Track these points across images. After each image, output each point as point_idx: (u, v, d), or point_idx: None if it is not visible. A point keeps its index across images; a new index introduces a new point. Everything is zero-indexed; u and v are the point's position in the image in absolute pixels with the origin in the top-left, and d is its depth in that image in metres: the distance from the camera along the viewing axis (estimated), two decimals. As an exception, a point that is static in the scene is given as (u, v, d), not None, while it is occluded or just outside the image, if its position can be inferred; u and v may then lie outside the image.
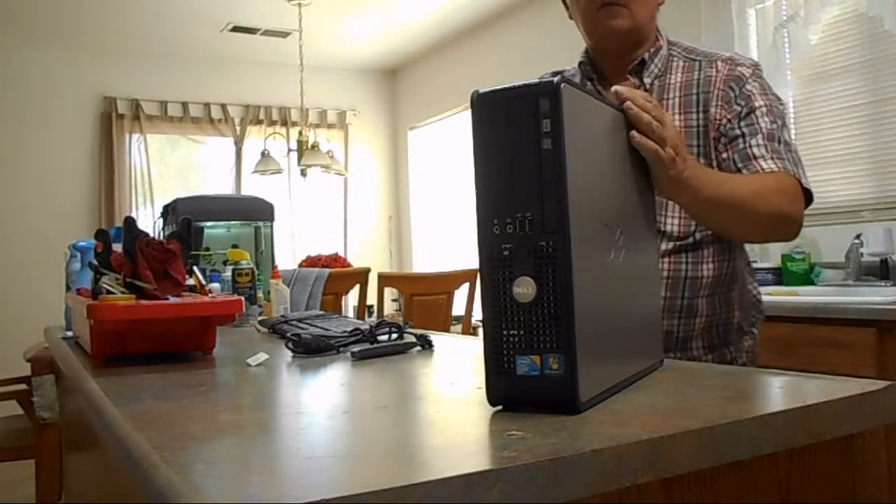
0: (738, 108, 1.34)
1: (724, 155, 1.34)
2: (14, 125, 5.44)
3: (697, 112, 1.36)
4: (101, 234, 1.51)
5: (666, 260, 1.35)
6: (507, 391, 0.76)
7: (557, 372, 0.73)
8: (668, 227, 1.36)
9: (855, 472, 0.79)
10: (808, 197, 1.31)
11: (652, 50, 1.41)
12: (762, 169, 1.29)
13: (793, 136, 1.40)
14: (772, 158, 1.29)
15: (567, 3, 1.49)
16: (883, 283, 2.76)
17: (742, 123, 1.33)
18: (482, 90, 0.77)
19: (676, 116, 1.36)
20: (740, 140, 1.32)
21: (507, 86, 0.77)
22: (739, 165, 1.31)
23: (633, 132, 0.98)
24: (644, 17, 1.38)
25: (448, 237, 6.20)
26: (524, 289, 0.74)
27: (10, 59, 5.42)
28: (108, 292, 1.33)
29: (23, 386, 3.15)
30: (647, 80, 1.40)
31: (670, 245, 1.35)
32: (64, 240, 2.48)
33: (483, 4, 5.20)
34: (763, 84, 1.37)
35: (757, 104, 1.34)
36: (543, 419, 0.71)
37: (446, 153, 6.25)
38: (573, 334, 0.73)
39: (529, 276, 0.74)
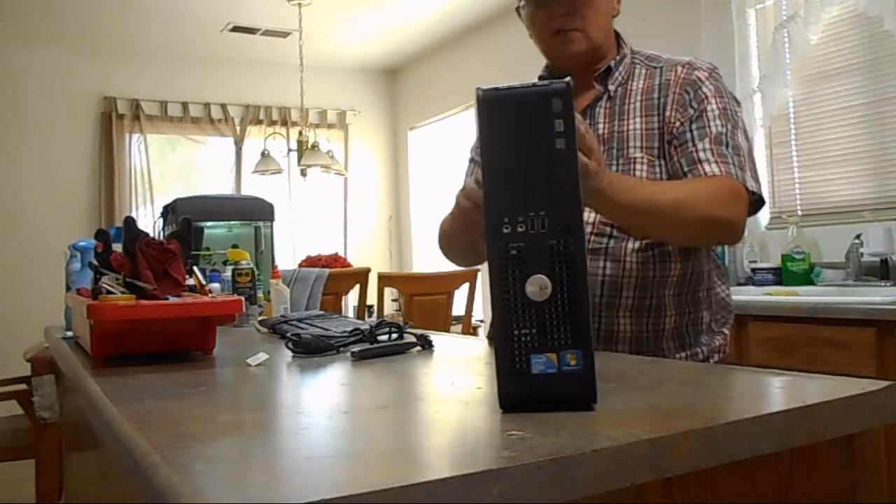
0: (691, 111, 1.36)
1: (674, 158, 1.35)
2: (14, 125, 5.44)
3: (658, 115, 1.38)
4: (101, 234, 1.51)
5: (633, 259, 1.35)
6: (520, 391, 0.76)
7: (576, 368, 0.74)
8: None
9: (855, 472, 0.79)
10: (758, 200, 1.32)
11: (617, 58, 1.45)
12: (704, 173, 1.30)
13: (750, 139, 1.40)
14: (716, 162, 1.30)
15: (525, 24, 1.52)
16: (883, 283, 2.76)
17: (693, 126, 1.35)
18: (487, 88, 0.77)
19: (638, 120, 1.38)
20: (689, 143, 1.34)
21: (513, 85, 0.77)
22: (685, 169, 1.33)
23: None
24: (599, 35, 1.42)
25: (448, 237, 6.19)
26: (538, 287, 0.74)
27: (10, 59, 5.42)
28: (108, 292, 1.33)
29: (23, 386, 3.15)
30: (611, 87, 1.43)
31: (637, 244, 1.35)
32: (64, 240, 2.48)
33: (483, 4, 5.20)
34: (719, 87, 1.39)
35: (709, 107, 1.35)
36: (543, 419, 0.71)
37: (446, 153, 6.25)
38: (589, 330, 0.74)
39: (543, 274, 0.74)
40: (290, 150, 5.30)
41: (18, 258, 5.31)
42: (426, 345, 1.32)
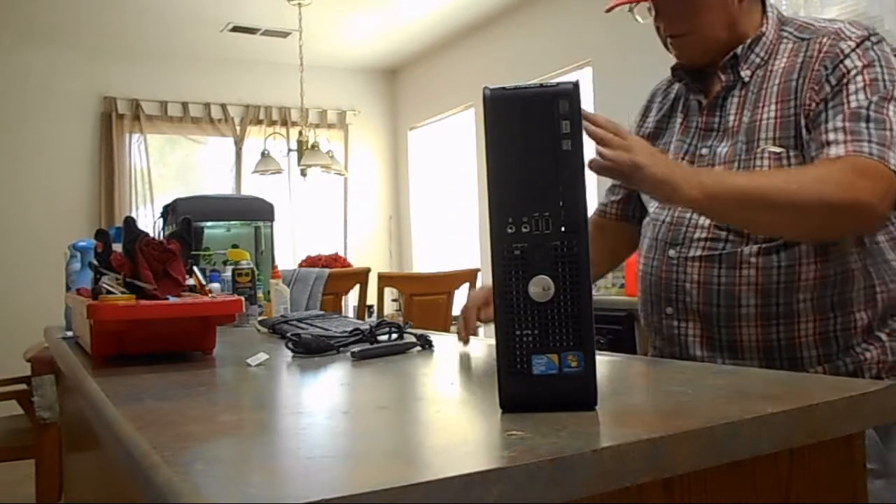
0: (828, 89, 1.17)
1: (809, 147, 1.17)
2: (14, 125, 5.44)
3: (795, 99, 1.21)
4: (101, 234, 1.51)
5: (752, 263, 1.20)
6: (521, 391, 0.76)
7: (577, 370, 0.74)
8: None
9: (855, 472, 0.79)
10: None
11: (749, 41, 1.29)
12: (828, 156, 1.12)
13: None
14: (845, 142, 1.11)
15: None
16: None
17: (829, 105, 1.16)
18: (493, 88, 0.77)
19: (773, 107, 1.22)
20: (821, 125, 1.15)
21: (520, 85, 0.77)
22: (812, 155, 1.16)
23: (589, 162, 0.95)
24: (715, 32, 1.28)
25: (448, 237, 6.21)
26: (541, 288, 0.74)
27: (10, 59, 5.42)
28: (108, 292, 1.33)
29: (23, 386, 3.15)
30: (744, 74, 1.28)
31: (755, 247, 1.20)
32: (64, 240, 2.48)
33: (483, 4, 5.20)
34: (871, 55, 1.17)
35: (851, 81, 1.16)
36: (543, 419, 0.71)
37: (446, 153, 6.25)
38: (591, 332, 0.75)
39: (546, 275, 0.74)
40: (290, 150, 5.30)
41: (18, 258, 5.31)
42: (426, 345, 1.32)
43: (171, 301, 1.32)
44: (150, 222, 5.22)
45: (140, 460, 0.65)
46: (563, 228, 0.74)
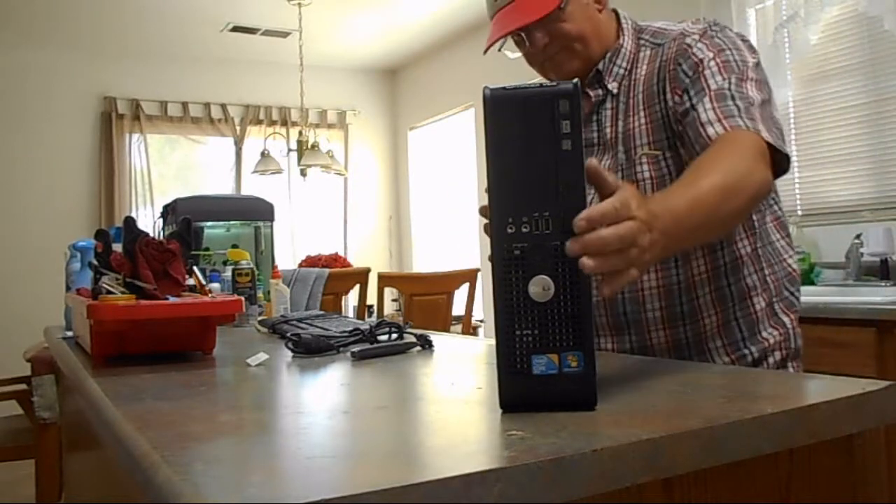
0: (687, 81, 1.20)
1: (685, 139, 1.19)
2: (14, 125, 5.44)
3: (660, 102, 1.24)
4: (101, 234, 1.51)
5: (652, 267, 1.21)
6: (521, 392, 0.76)
7: (576, 370, 0.74)
8: None
9: (855, 472, 0.79)
10: (782, 157, 1.11)
11: (609, 55, 1.31)
12: (708, 137, 1.12)
13: (768, 91, 1.20)
14: (718, 120, 1.12)
15: None
16: (883, 283, 2.76)
17: (691, 93, 1.18)
18: (493, 88, 0.77)
19: (642, 114, 1.26)
20: (689, 112, 1.17)
21: (520, 85, 0.77)
22: (693, 141, 1.16)
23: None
24: (591, 44, 1.29)
25: (448, 237, 6.21)
26: (541, 288, 0.74)
27: (10, 59, 5.42)
28: (108, 292, 1.33)
29: (23, 386, 3.15)
30: (612, 86, 1.30)
31: None
32: (64, 240, 2.48)
33: (483, 4, 5.19)
34: (716, 41, 1.21)
35: (706, 67, 1.18)
36: (543, 419, 0.71)
37: (446, 153, 6.25)
38: (591, 331, 0.75)
39: (546, 275, 0.74)
40: (290, 150, 5.31)
41: (18, 258, 5.31)
42: (426, 345, 1.32)
43: (171, 301, 1.32)
44: (150, 222, 5.22)
45: (140, 460, 0.65)
46: (562, 228, 0.74)
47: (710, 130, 1.12)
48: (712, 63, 1.18)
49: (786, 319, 1.29)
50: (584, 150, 0.76)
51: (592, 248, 0.72)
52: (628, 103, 1.29)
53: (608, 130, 1.30)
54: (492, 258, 0.76)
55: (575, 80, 0.78)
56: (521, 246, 0.75)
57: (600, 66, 1.31)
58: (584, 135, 1.26)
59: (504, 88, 0.77)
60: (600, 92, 1.32)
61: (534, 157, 0.76)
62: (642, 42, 1.32)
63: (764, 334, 1.26)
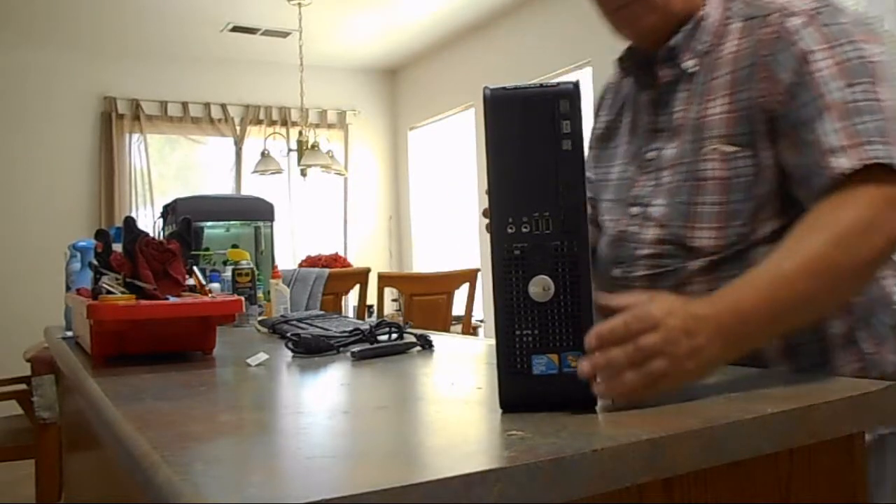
0: (786, 79, 0.99)
1: (786, 156, 0.99)
2: (14, 125, 5.44)
3: (748, 90, 1.03)
4: (101, 234, 1.51)
5: (699, 281, 1.04)
6: (521, 391, 0.76)
7: (576, 369, 0.74)
8: (698, 242, 1.04)
9: (855, 472, 0.79)
10: None
11: (689, 27, 1.09)
12: (834, 170, 0.92)
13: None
14: (846, 148, 0.91)
15: None
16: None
17: (798, 102, 0.97)
18: (494, 88, 0.77)
19: (723, 100, 1.05)
20: (801, 130, 0.96)
21: (521, 85, 0.77)
22: (810, 171, 0.95)
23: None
24: (672, 2, 1.08)
25: (448, 237, 6.21)
26: (541, 288, 0.74)
27: (10, 59, 5.42)
28: (108, 292, 1.33)
29: (23, 386, 3.15)
30: (687, 65, 1.09)
31: (703, 261, 1.03)
32: (64, 240, 2.48)
33: (483, 4, 5.20)
34: (825, 32, 0.98)
35: (815, 66, 0.96)
36: (543, 419, 0.71)
37: (446, 153, 6.25)
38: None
39: (546, 275, 0.74)
40: (290, 150, 5.31)
41: (18, 258, 5.32)
42: (426, 345, 1.32)
43: (171, 301, 1.32)
44: (150, 222, 5.22)
45: (140, 460, 0.65)
46: (562, 228, 0.74)
47: (835, 163, 0.92)
48: (826, 62, 0.96)
49: (866, 346, 1.05)
50: (583, 149, 0.76)
51: (600, 368, 0.73)
52: (708, 85, 1.07)
53: (679, 115, 1.10)
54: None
55: (576, 80, 0.78)
56: (521, 246, 0.75)
57: (672, 42, 1.10)
58: (653, 117, 1.14)
59: (504, 88, 0.77)
60: (672, 72, 1.11)
61: (534, 156, 0.76)
62: (731, 12, 1.09)
63: (835, 364, 1.04)
